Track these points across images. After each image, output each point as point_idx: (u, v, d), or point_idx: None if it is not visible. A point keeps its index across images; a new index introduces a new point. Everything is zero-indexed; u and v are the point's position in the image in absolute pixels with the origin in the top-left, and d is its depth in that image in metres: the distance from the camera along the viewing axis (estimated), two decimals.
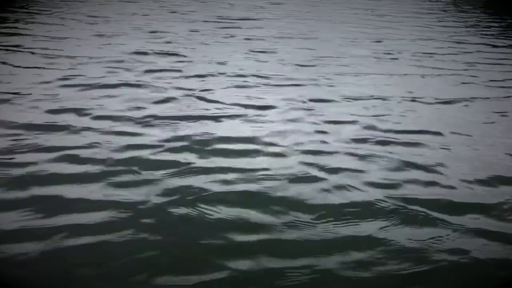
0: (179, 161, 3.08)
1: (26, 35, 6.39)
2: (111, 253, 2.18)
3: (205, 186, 2.77)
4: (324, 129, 3.75)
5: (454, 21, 9.50)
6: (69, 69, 4.98)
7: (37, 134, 3.39)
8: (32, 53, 5.51)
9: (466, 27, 8.90)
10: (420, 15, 9.89)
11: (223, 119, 3.88)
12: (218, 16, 8.51)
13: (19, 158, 3.02)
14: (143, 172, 2.90)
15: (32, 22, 7.17)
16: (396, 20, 9.23)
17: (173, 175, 2.89)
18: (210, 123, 3.79)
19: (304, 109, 4.23)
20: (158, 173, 2.89)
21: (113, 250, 2.20)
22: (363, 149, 3.44)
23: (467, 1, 12.54)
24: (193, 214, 2.51)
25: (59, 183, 2.74)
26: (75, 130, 3.48)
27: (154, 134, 3.49)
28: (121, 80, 4.69)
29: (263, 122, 3.89)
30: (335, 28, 8.17)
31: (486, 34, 8.18)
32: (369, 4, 11.05)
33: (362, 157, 3.29)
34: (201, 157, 3.17)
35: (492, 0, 12.63)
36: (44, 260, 2.11)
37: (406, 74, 5.55)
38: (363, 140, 3.58)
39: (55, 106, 3.93)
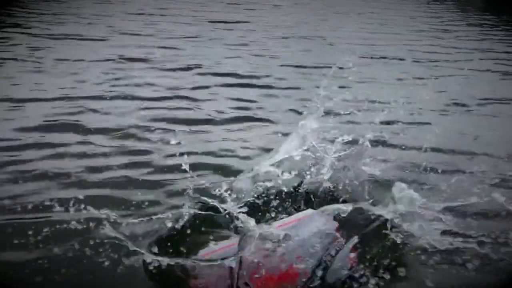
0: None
1: (24, 38, 6.20)
2: None
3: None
4: (324, 144, 3.40)
5: (460, 23, 9.26)
6: (70, 74, 4.84)
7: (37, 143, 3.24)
8: (30, 58, 5.34)
9: (473, 29, 8.66)
10: (424, 17, 9.65)
11: (220, 126, 3.73)
12: (217, 18, 8.28)
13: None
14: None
15: (30, 26, 6.95)
16: (401, 22, 9.01)
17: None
18: (210, 129, 3.65)
19: (305, 115, 3.99)
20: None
21: None
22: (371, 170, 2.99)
23: (469, 2, 12.27)
24: None
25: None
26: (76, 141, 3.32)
27: (153, 142, 3.35)
28: (116, 86, 4.53)
29: (262, 128, 3.73)
30: (338, 31, 7.93)
31: (494, 38, 7.93)
32: (372, 6, 10.79)
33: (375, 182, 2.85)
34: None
35: (492, 0, 12.38)
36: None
37: (413, 79, 5.33)
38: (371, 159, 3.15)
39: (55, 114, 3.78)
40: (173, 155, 3.11)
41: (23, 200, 2.56)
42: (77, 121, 3.67)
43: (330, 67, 5.29)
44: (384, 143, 3.45)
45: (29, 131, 3.41)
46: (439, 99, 4.66)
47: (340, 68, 5.37)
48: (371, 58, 6.12)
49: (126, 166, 3.00)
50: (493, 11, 10.64)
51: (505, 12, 10.42)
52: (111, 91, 4.37)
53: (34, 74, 4.77)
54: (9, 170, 2.86)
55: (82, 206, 2.42)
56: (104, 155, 3.14)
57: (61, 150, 3.16)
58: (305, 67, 5.55)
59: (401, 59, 6.19)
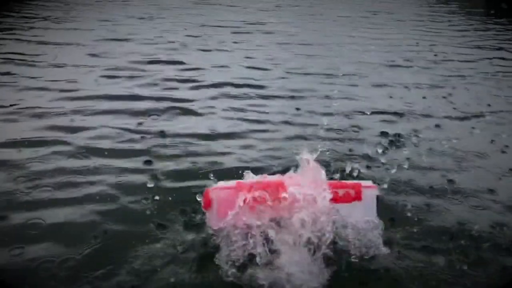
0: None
1: (23, 41, 6.09)
2: None
3: None
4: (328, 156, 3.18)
5: (465, 25, 9.08)
6: (68, 79, 4.70)
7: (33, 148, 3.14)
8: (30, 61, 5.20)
9: (479, 31, 8.47)
10: (430, 21, 9.46)
11: (218, 134, 3.58)
12: (219, 21, 8.11)
13: None
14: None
15: (29, 30, 6.76)
16: (405, 24, 8.83)
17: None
18: (211, 138, 3.51)
19: (309, 124, 3.84)
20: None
21: None
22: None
23: (470, 3, 12.09)
24: None
25: None
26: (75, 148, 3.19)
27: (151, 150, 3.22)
28: (115, 91, 4.42)
29: (260, 138, 3.55)
30: (342, 34, 7.74)
31: (503, 40, 7.75)
32: (376, 7, 10.61)
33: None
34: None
35: (491, 1, 12.20)
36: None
37: (422, 84, 5.14)
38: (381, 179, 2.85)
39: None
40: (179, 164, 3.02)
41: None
42: (75, 128, 3.55)
43: (334, 74, 5.28)
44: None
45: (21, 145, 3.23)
46: (450, 107, 4.49)
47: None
48: (379, 64, 5.93)
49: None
50: (495, 14, 10.45)
51: (507, 15, 10.24)
52: (109, 98, 4.23)
53: (30, 80, 4.63)
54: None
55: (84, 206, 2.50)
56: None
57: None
58: (310, 74, 5.38)
59: (410, 63, 6.02)
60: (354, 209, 2.16)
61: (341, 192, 2.14)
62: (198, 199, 2.19)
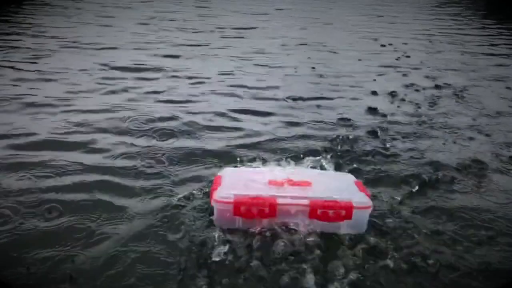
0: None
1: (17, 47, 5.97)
2: None
3: None
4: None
5: (469, 29, 8.96)
6: (66, 85, 4.61)
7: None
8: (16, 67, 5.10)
9: (483, 35, 8.34)
10: (433, 22, 9.34)
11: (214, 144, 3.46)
12: (220, 25, 7.98)
13: None
14: None
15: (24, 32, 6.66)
16: (410, 27, 8.69)
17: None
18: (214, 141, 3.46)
19: (312, 134, 3.71)
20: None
21: None
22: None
23: (473, 6, 11.98)
24: None
25: None
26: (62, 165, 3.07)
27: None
28: (115, 99, 4.30)
29: (262, 146, 3.45)
30: (346, 37, 7.61)
31: (506, 43, 7.63)
32: (380, 11, 10.48)
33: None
34: None
35: (492, 2, 12.12)
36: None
37: (428, 88, 5.03)
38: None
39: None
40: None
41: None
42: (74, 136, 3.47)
43: (338, 80, 5.15)
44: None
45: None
46: (460, 112, 4.36)
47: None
48: (384, 68, 5.79)
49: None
50: (496, 16, 10.34)
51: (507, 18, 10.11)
52: (110, 107, 4.12)
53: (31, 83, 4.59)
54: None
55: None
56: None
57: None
58: (313, 79, 5.25)
59: (417, 67, 5.89)
60: (343, 224, 2.27)
61: (331, 212, 2.22)
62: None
